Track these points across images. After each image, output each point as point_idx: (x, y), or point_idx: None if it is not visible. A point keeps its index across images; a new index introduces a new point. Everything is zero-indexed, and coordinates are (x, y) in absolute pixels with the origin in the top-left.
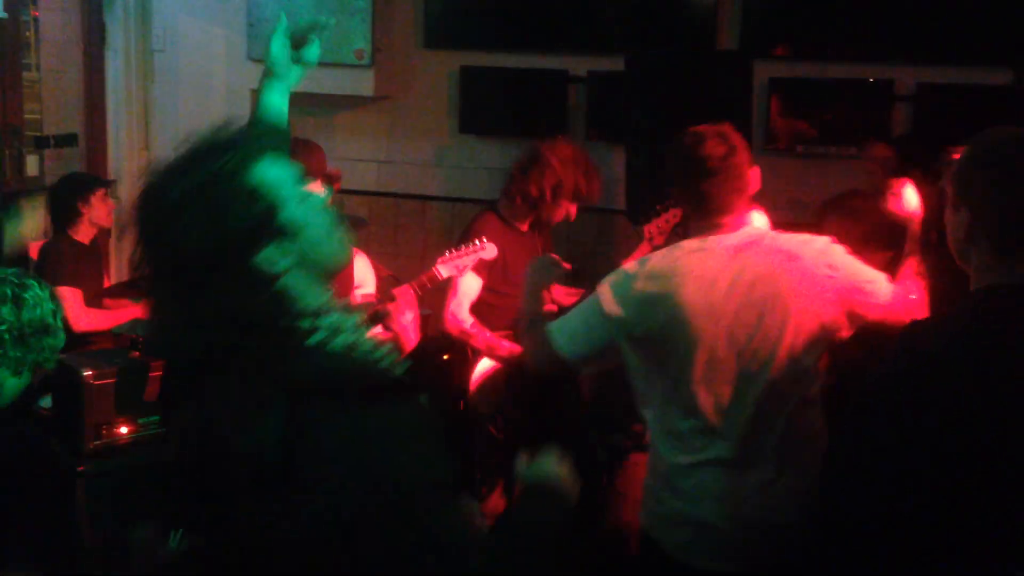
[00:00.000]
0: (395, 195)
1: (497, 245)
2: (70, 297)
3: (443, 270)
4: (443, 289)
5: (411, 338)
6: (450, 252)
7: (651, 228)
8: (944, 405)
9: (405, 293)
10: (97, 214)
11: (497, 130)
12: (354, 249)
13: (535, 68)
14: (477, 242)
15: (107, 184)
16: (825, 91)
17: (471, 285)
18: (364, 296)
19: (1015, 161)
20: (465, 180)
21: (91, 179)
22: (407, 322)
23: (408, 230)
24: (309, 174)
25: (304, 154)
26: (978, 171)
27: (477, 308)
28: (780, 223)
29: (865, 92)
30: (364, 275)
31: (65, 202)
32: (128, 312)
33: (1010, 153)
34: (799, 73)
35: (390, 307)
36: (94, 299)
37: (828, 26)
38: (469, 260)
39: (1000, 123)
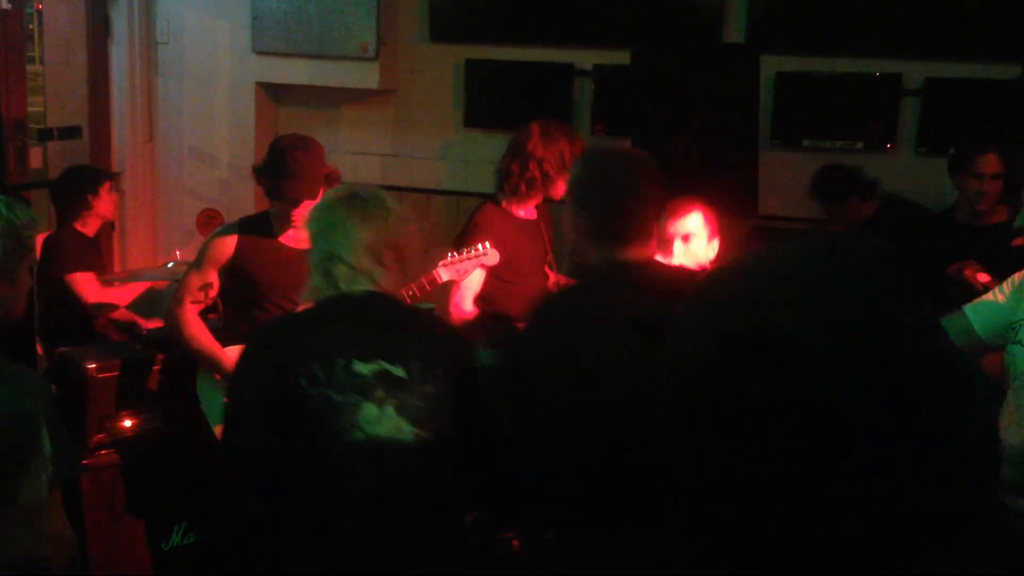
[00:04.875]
0: (400, 189)
1: (499, 235)
2: (85, 280)
3: (443, 274)
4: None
5: None
6: (452, 255)
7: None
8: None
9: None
10: (104, 206)
11: (502, 124)
12: None
13: (541, 61)
14: (480, 247)
15: (112, 176)
16: (832, 85)
17: (474, 276)
18: None
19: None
20: (470, 174)
21: (99, 172)
22: None
23: (413, 224)
24: (308, 172)
25: (303, 152)
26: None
27: (481, 297)
28: (786, 217)
29: (872, 86)
30: None
31: (74, 194)
32: (139, 285)
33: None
34: (806, 67)
35: None
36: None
37: (835, 20)
38: (470, 265)
39: (1007, 117)
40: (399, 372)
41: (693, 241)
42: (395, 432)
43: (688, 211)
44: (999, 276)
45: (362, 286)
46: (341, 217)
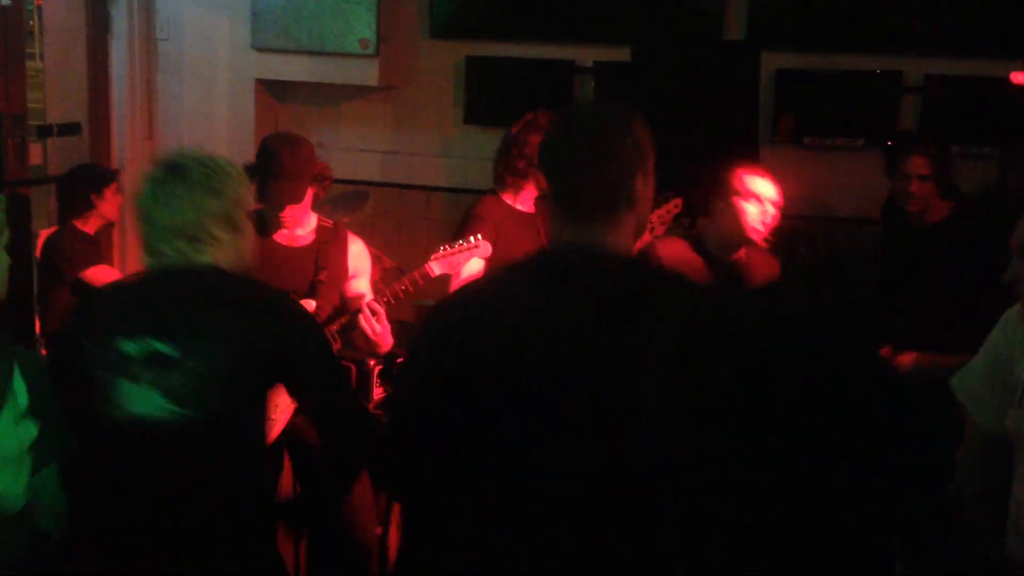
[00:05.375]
0: (399, 186)
1: (497, 226)
2: (99, 272)
3: (436, 267)
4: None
5: (387, 342)
6: (444, 248)
7: (651, 218)
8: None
9: (376, 304)
10: (108, 208)
11: (503, 121)
12: (350, 235)
13: (541, 58)
14: (472, 239)
15: (118, 177)
16: (832, 82)
17: (475, 269)
18: (357, 292)
19: (561, 130)
20: (470, 171)
21: (107, 172)
22: (378, 332)
23: (412, 221)
24: (291, 175)
25: (288, 153)
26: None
27: None
28: (786, 215)
29: (873, 83)
30: (359, 264)
31: (79, 193)
32: None
33: (561, 122)
34: (806, 64)
35: (360, 319)
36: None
37: (836, 16)
38: (462, 257)
39: (1008, 115)
40: (166, 350)
41: (765, 206)
42: (152, 410)
43: (760, 175)
44: (937, 278)
45: (182, 260)
46: (157, 192)
